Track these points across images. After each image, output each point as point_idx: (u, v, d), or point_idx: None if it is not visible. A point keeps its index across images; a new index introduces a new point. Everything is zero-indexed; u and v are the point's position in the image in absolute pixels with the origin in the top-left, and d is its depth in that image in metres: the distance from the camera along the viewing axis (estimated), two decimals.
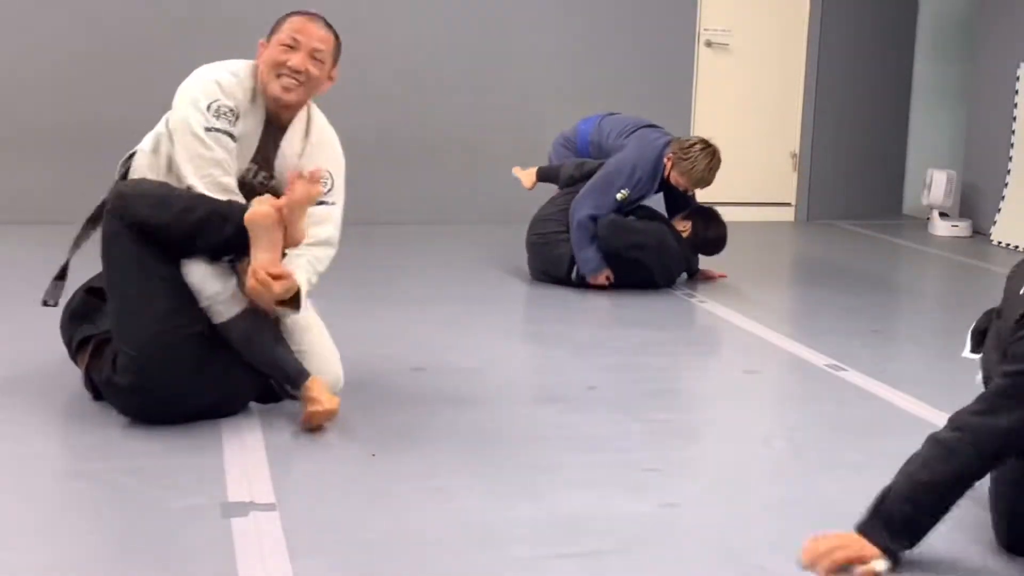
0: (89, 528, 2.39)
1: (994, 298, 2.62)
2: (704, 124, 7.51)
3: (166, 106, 3.15)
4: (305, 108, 3.23)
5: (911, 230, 7.50)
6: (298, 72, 3.10)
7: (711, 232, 5.29)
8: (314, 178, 2.95)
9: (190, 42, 6.29)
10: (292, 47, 3.11)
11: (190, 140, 3.02)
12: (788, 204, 7.81)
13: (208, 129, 3.02)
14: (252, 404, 3.18)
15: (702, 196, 5.56)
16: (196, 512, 2.48)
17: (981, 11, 7.51)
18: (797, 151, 7.75)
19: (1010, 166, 7.04)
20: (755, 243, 6.76)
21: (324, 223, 3.13)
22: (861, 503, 2.69)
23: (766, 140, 7.69)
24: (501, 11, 6.97)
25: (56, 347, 3.72)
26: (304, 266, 3.05)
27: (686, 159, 5.01)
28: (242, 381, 3.11)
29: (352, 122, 6.68)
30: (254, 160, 3.17)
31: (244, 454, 2.84)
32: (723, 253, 5.39)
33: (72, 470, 2.71)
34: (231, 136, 3.06)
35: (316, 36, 3.12)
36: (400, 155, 6.87)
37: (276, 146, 3.19)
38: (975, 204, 7.48)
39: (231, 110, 3.07)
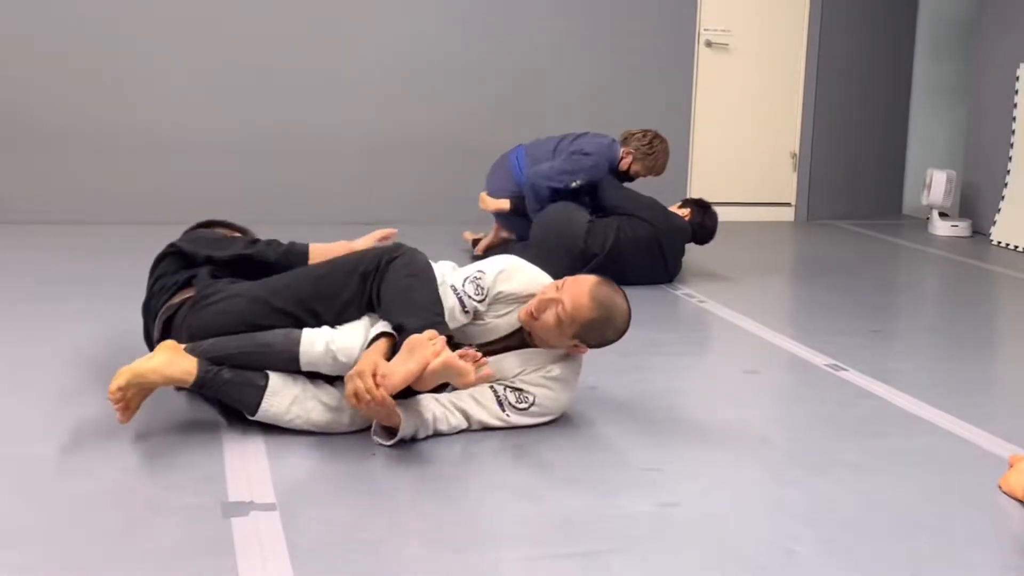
0: (89, 528, 2.39)
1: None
2: (704, 124, 7.52)
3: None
4: None
5: (911, 230, 7.50)
6: None
7: (708, 221, 5.42)
8: (479, 362, 2.83)
9: (194, 46, 6.30)
10: None
11: None
12: (788, 204, 7.81)
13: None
14: None
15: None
16: (196, 512, 2.49)
17: (981, 11, 7.51)
18: (797, 151, 7.75)
19: (1010, 166, 7.04)
20: (755, 243, 6.76)
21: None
22: (861, 503, 2.70)
23: (766, 140, 7.69)
24: (500, 12, 6.97)
25: (56, 348, 3.73)
26: (433, 405, 3.01)
27: (651, 154, 5.46)
28: None
29: (352, 124, 6.77)
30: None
31: (244, 454, 2.85)
32: (724, 252, 5.42)
33: (72, 470, 2.71)
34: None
35: None
36: (400, 155, 6.88)
37: None
38: (975, 204, 7.48)
39: None
